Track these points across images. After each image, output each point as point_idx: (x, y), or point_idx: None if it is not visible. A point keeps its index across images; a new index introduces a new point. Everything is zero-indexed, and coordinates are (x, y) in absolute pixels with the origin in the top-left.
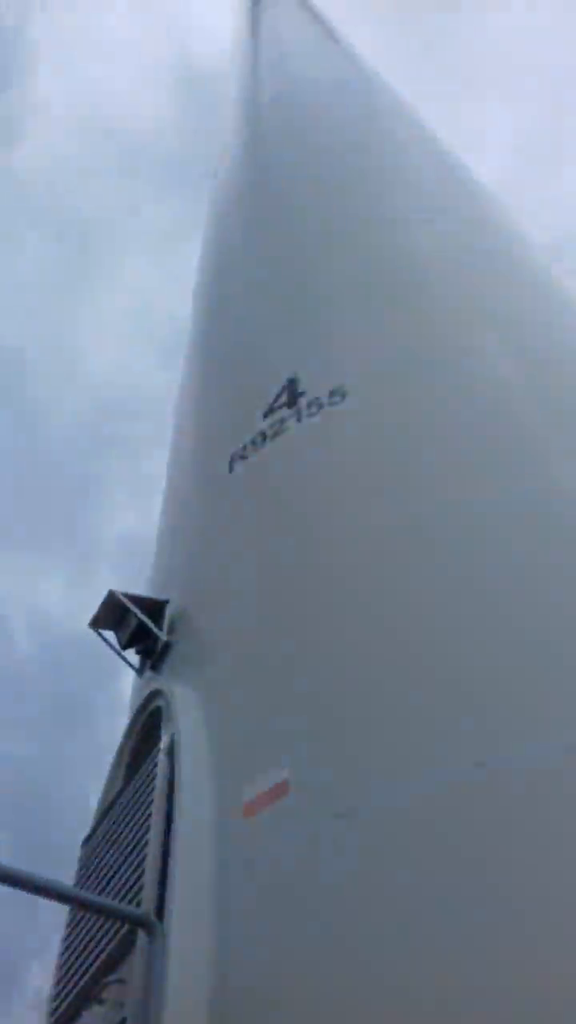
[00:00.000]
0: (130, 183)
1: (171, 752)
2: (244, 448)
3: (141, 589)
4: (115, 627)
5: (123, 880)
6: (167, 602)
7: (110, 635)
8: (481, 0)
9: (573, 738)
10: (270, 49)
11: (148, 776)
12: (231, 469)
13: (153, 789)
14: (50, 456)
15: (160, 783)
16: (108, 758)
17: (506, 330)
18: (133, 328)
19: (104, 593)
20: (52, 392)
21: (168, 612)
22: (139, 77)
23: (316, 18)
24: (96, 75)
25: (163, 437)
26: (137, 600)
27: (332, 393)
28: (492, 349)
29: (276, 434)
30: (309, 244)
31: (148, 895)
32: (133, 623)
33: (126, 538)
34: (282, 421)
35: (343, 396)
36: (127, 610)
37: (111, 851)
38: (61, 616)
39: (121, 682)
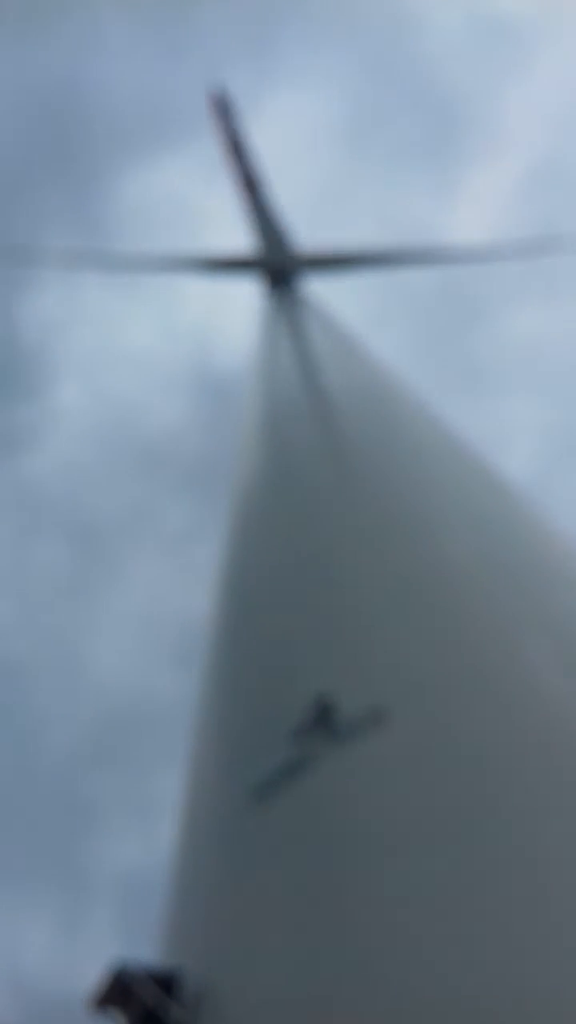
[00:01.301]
0: (145, 485)
1: None
2: (271, 777)
3: (144, 941)
4: (121, 1004)
5: None
6: (182, 971)
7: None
8: (500, 305)
9: None
10: (293, 358)
11: None
12: (257, 802)
13: None
14: (46, 774)
15: None
16: None
17: (550, 636)
18: (143, 631)
19: (98, 946)
20: (54, 704)
21: (184, 984)
22: (157, 384)
23: (337, 329)
24: (116, 383)
25: (172, 751)
26: (147, 971)
27: (372, 712)
28: (538, 659)
29: (311, 760)
30: (337, 550)
31: None
32: (142, 1000)
33: (125, 869)
34: (316, 746)
35: (384, 716)
36: (134, 984)
37: None
38: (49, 972)
39: None
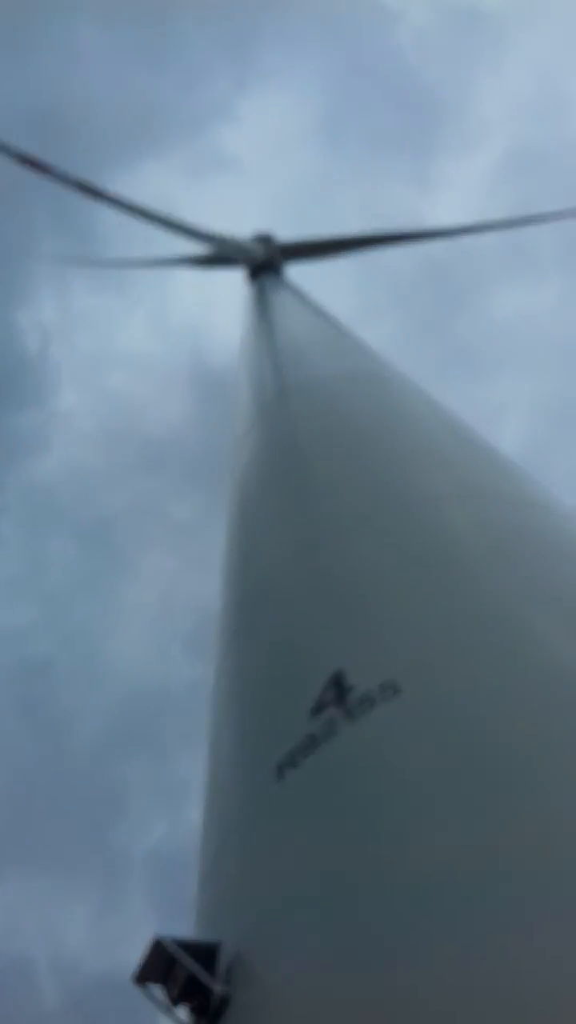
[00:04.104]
0: (150, 481)
1: None
2: (293, 754)
3: (179, 920)
4: (163, 980)
5: None
6: (219, 945)
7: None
8: (484, 288)
9: None
10: (282, 346)
11: None
12: (280, 777)
13: None
14: (76, 765)
15: None
16: None
17: (553, 604)
18: (158, 621)
19: (136, 924)
20: (79, 696)
21: (222, 957)
22: (155, 382)
23: (324, 317)
24: (115, 384)
25: (193, 734)
26: (186, 946)
27: (383, 687)
28: (545, 627)
29: (328, 735)
30: (341, 530)
31: None
32: (183, 975)
33: (156, 851)
34: (332, 722)
35: (395, 690)
36: (175, 960)
37: None
38: (89, 954)
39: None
